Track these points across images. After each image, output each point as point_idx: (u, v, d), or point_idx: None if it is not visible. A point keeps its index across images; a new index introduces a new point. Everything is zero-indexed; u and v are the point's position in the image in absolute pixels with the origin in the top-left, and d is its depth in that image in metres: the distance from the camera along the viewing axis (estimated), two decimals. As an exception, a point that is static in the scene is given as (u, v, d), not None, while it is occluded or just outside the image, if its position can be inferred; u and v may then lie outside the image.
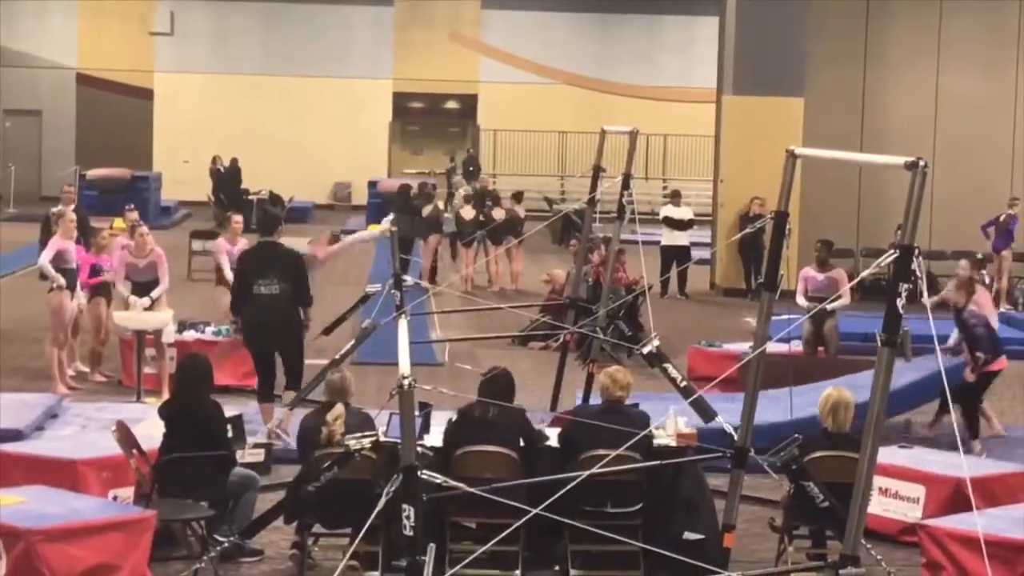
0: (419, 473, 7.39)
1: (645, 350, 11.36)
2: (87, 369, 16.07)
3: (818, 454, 9.46)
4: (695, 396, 9.14)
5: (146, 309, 15.22)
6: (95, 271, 15.89)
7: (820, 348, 16.48)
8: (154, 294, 15.33)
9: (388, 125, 43.34)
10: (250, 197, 35.48)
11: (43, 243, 16.64)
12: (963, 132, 26.04)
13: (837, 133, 24.08)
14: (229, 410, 10.60)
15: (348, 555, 8.29)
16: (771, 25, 24.54)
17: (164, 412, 10.00)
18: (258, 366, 13.27)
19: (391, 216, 15.00)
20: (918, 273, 6.64)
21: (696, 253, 24.97)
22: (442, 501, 9.16)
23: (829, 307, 15.80)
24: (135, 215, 17.21)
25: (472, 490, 8.70)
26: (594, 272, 18.73)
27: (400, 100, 43.21)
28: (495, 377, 10.03)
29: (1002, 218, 24.41)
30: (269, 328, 12.95)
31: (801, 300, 16.05)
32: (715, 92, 27.30)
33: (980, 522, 8.49)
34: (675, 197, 26.01)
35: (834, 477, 9.10)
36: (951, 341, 13.44)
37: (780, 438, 9.30)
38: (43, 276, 15.77)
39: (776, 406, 12.06)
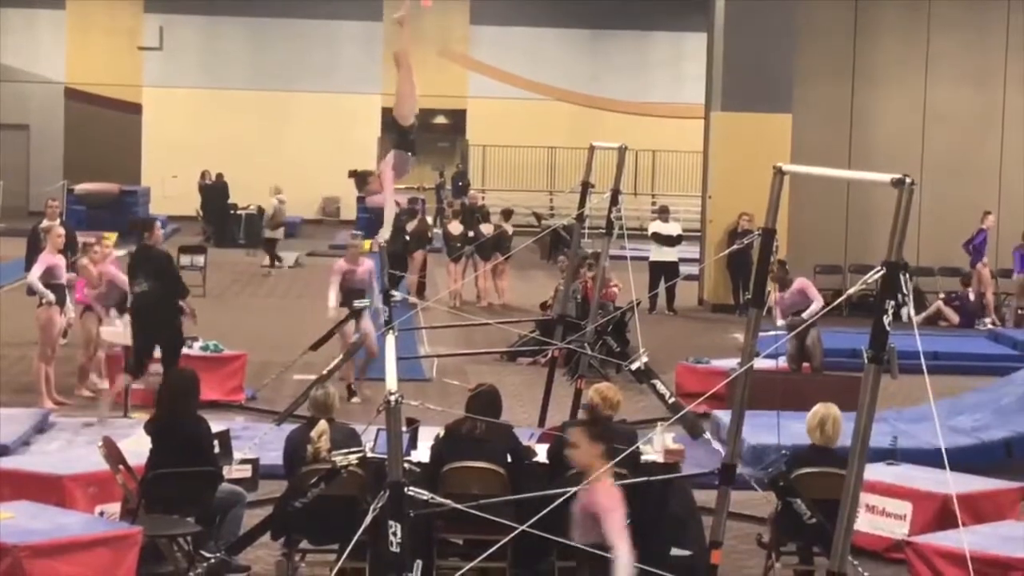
0: (406, 489, 7.38)
1: (633, 366, 11.39)
2: (106, 386, 15.98)
3: (805, 470, 9.46)
4: (683, 412, 9.16)
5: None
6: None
7: (805, 364, 16.50)
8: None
9: (377, 140, 43.34)
10: (238, 212, 35.53)
11: (30, 258, 16.62)
12: (951, 148, 26.12)
13: (825, 149, 24.15)
14: (216, 425, 10.58)
15: (335, 571, 8.27)
16: (759, 41, 24.58)
17: (150, 428, 9.97)
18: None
19: (384, 230, 15.01)
20: (904, 289, 6.65)
21: (684, 269, 24.99)
22: (429, 517, 9.15)
23: (806, 316, 15.85)
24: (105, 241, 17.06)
25: (459, 506, 8.68)
26: (583, 288, 18.74)
27: (389, 115, 42.94)
28: (482, 393, 10.02)
29: (975, 233, 24.59)
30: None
31: (781, 323, 16.11)
32: (703, 108, 27.35)
33: (967, 539, 8.49)
34: (663, 213, 26.04)
35: (821, 494, 9.11)
36: None
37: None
38: (31, 291, 15.75)
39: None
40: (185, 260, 25.71)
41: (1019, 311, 24.25)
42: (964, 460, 11.85)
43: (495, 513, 8.52)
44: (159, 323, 14.20)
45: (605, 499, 6.95)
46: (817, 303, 16.17)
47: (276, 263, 30.16)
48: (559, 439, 10.04)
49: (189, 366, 12.27)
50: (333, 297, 16.09)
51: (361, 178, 11.72)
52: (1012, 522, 10.35)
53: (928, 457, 12.11)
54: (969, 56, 26.42)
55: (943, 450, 8.36)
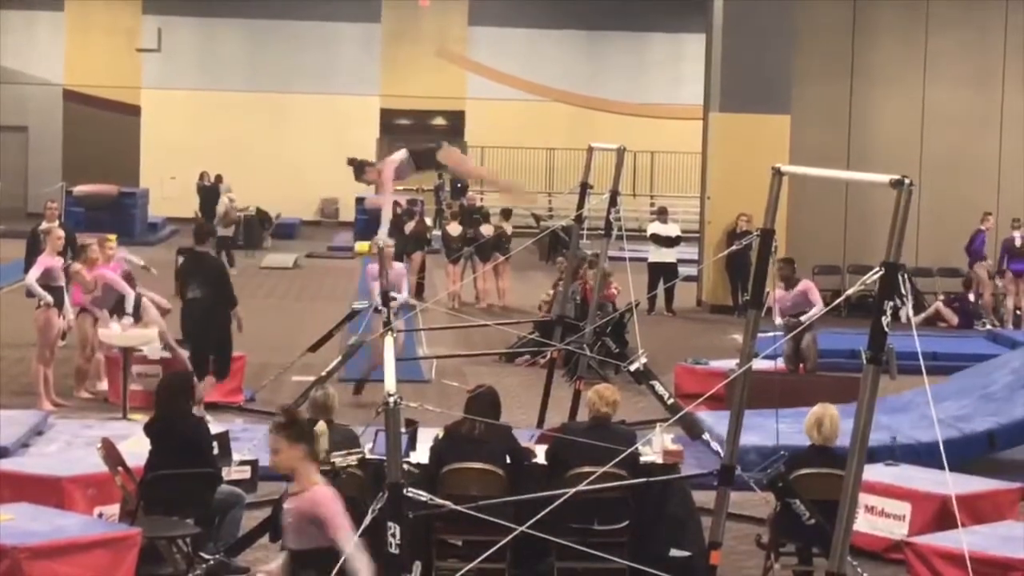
0: (405, 490, 7.38)
1: (632, 367, 11.40)
2: (105, 387, 15.98)
3: (804, 471, 9.47)
4: (682, 413, 9.16)
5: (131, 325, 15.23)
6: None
7: (801, 364, 16.52)
8: (128, 308, 15.30)
9: (376, 141, 43.33)
10: (237, 214, 35.50)
11: (29, 259, 16.61)
12: (949, 148, 26.12)
13: (823, 150, 24.14)
14: (215, 427, 10.58)
15: (334, 573, 8.26)
16: (757, 42, 24.57)
17: (149, 430, 9.99)
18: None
19: (384, 231, 15.03)
20: (903, 290, 6.65)
21: (683, 270, 24.97)
22: (428, 518, 9.15)
23: (806, 319, 15.86)
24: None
25: (458, 507, 8.68)
26: (581, 289, 18.73)
27: (388, 116, 43.23)
28: (481, 394, 10.03)
29: (974, 234, 24.62)
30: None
31: (779, 321, 16.10)
32: (702, 109, 27.35)
33: (966, 539, 8.49)
34: (662, 214, 26.04)
35: (820, 494, 9.12)
36: None
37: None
38: (30, 293, 15.76)
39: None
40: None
41: (1016, 311, 24.26)
42: (947, 453, 11.87)
43: (494, 514, 8.53)
44: (209, 329, 14.57)
45: (323, 502, 6.66)
46: (818, 307, 16.16)
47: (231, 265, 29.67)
48: (557, 440, 10.06)
49: (183, 368, 12.29)
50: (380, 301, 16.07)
51: (359, 167, 11.66)
52: (1011, 522, 10.35)
53: (915, 453, 12.13)
54: (968, 56, 26.42)
55: (942, 448, 8.36)
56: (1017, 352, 15.65)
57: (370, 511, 7.48)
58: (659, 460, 10.24)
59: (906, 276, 6.72)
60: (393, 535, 7.23)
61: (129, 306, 15.35)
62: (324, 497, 6.70)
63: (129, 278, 16.23)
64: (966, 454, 12.45)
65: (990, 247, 24.96)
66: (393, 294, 12.81)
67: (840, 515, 6.80)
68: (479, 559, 8.03)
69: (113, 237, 18.37)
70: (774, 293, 16.60)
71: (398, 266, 16.51)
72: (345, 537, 6.63)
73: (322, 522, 6.66)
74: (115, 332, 15.14)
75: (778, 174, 8.61)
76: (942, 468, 8.82)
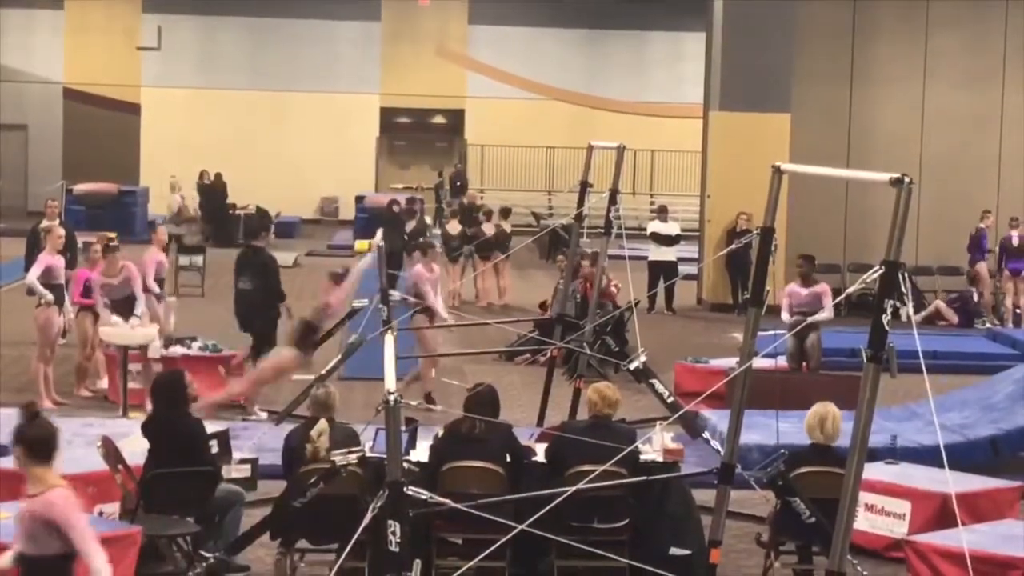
0: (405, 489, 7.38)
1: (632, 366, 11.40)
2: (106, 385, 15.98)
3: (804, 470, 9.47)
4: (683, 411, 9.17)
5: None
6: (88, 288, 15.83)
7: (804, 363, 16.48)
8: (138, 311, 15.30)
9: (375, 140, 43.35)
10: (237, 212, 35.51)
11: (29, 257, 16.62)
12: (949, 147, 26.12)
13: (823, 148, 24.13)
14: (214, 425, 10.58)
15: (334, 571, 8.27)
16: (758, 41, 24.57)
17: (146, 429, 9.99)
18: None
19: (381, 231, 15.15)
20: (903, 289, 6.65)
21: (683, 268, 24.96)
22: (428, 517, 9.15)
23: (812, 320, 15.81)
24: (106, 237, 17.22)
25: (458, 506, 8.69)
26: (581, 287, 18.73)
27: (387, 115, 43.22)
28: (480, 393, 10.03)
29: (974, 232, 24.62)
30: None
31: (785, 316, 16.04)
32: (702, 108, 27.35)
33: (966, 538, 8.50)
34: (662, 212, 26.03)
35: (820, 493, 9.12)
36: None
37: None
38: (31, 292, 15.76)
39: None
40: (184, 260, 25.67)
41: (1016, 310, 24.25)
42: (951, 458, 11.85)
43: (494, 512, 8.53)
44: (255, 319, 15.63)
45: (58, 504, 6.43)
46: (827, 313, 15.93)
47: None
48: (556, 439, 10.06)
49: (178, 367, 12.30)
50: (439, 303, 16.33)
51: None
52: (1011, 521, 10.36)
53: (918, 456, 12.13)
54: (968, 56, 26.42)
55: (941, 447, 8.36)
56: (1020, 366, 15.67)
57: (371, 509, 7.49)
58: (659, 458, 10.24)
59: (906, 275, 6.73)
60: (393, 533, 7.23)
61: (139, 309, 15.34)
62: (60, 500, 6.43)
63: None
64: (970, 459, 12.43)
65: (989, 245, 24.95)
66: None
67: (840, 513, 6.81)
68: (479, 557, 8.03)
69: (113, 235, 18.39)
70: (789, 287, 16.53)
71: (437, 268, 16.63)
72: (82, 540, 6.40)
73: (57, 527, 6.39)
74: (115, 330, 15.14)
75: (778, 172, 8.61)
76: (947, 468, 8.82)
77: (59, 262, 15.59)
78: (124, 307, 15.30)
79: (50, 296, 15.26)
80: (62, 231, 16.35)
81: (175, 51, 42.21)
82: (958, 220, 25.17)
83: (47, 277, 15.36)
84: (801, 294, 16.39)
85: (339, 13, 42.25)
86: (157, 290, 16.65)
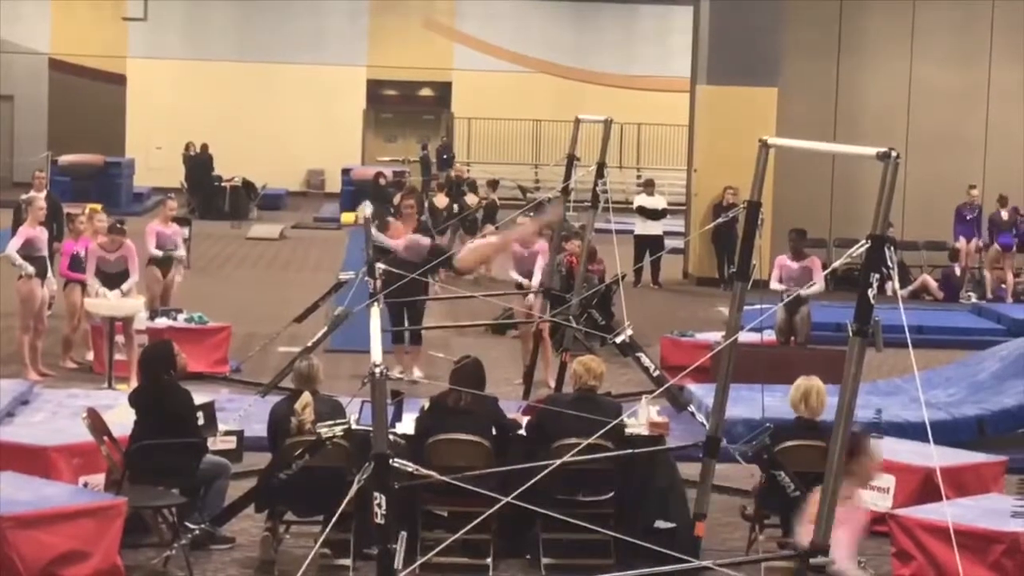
0: (391, 461, 7.38)
1: (618, 339, 11.41)
2: (91, 357, 15.94)
3: (789, 443, 9.49)
4: (668, 385, 9.18)
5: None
6: (76, 260, 15.76)
7: (792, 337, 16.52)
8: (124, 287, 15.26)
9: (362, 112, 43.27)
10: (223, 184, 35.45)
11: (16, 230, 16.55)
12: (936, 123, 26.12)
13: (811, 123, 24.12)
14: (200, 397, 10.57)
15: (320, 543, 8.28)
16: (746, 15, 24.55)
17: (133, 399, 9.99)
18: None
19: (367, 203, 15.08)
20: (889, 263, 6.66)
21: (669, 242, 24.96)
22: (414, 489, 9.16)
23: (803, 293, 15.84)
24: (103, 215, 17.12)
25: (444, 478, 8.69)
26: (567, 261, 18.71)
27: (374, 87, 43.14)
28: (466, 366, 10.04)
29: (961, 206, 24.66)
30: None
31: (775, 285, 16.08)
32: (689, 81, 27.31)
33: (950, 512, 8.51)
34: (649, 186, 26.02)
35: (805, 466, 9.14)
36: None
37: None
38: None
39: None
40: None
41: (1002, 285, 24.29)
42: (936, 437, 11.87)
43: (479, 485, 8.53)
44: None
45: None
46: (819, 286, 16.07)
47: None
48: (542, 412, 10.07)
49: (167, 338, 12.28)
50: (520, 276, 16.15)
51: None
52: (995, 495, 10.38)
53: (903, 431, 12.14)
54: (955, 32, 26.39)
55: (927, 426, 8.38)
56: (1006, 343, 15.67)
57: (356, 481, 7.49)
58: (644, 432, 10.26)
59: (893, 248, 6.73)
60: (379, 505, 7.23)
61: (127, 285, 15.28)
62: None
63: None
64: (955, 438, 12.43)
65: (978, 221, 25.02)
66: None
67: (824, 488, 6.83)
68: (464, 529, 8.03)
69: (99, 207, 18.31)
70: (775, 260, 16.53)
71: (541, 243, 16.26)
72: None
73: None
74: (101, 301, 15.10)
75: (765, 147, 8.61)
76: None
77: (41, 234, 15.52)
78: (115, 281, 15.26)
79: (30, 269, 15.19)
80: (43, 203, 16.23)
81: (162, 22, 42.05)
82: (945, 195, 25.19)
83: (28, 249, 15.29)
84: (792, 267, 16.42)
85: (327, -15, 42.15)
86: (159, 254, 17.03)
